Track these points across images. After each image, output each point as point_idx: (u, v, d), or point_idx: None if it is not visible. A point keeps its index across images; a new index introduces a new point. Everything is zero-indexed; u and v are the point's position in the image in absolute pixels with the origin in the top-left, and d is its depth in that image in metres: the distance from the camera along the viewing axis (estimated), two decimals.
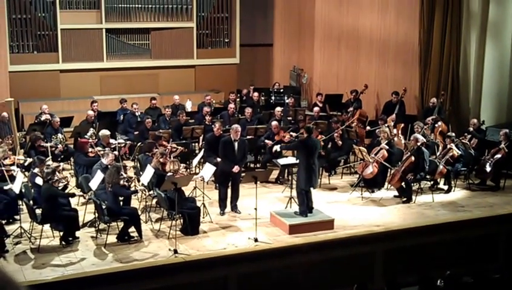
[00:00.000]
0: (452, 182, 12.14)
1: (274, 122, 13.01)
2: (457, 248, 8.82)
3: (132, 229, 9.62)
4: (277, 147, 11.70)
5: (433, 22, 14.81)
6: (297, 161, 10.49)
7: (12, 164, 10.97)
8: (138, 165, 11.68)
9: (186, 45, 17.14)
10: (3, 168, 10.39)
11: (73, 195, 10.03)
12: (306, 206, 10.22)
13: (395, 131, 13.24)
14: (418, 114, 14.86)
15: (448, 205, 11.46)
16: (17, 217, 10.06)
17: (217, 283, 6.93)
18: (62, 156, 12.49)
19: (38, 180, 9.83)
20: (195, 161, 11.98)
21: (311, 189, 10.43)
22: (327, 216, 10.32)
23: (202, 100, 15.11)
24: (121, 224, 9.67)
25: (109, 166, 10.20)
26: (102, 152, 11.07)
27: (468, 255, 8.80)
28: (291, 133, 12.83)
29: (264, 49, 18.33)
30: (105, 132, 12.00)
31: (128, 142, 12.94)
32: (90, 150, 11.60)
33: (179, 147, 12.08)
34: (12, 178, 10.16)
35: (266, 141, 12.82)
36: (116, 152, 11.67)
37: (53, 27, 15.82)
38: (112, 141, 12.10)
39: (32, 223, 9.59)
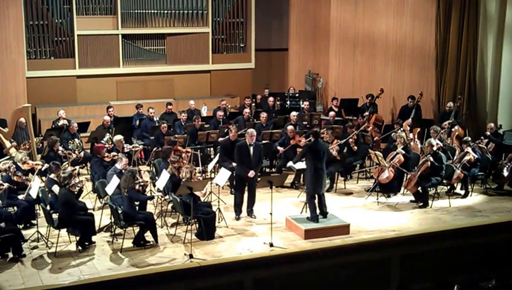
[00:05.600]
0: (469, 187, 12.06)
1: (289, 127, 13.00)
2: (475, 254, 8.74)
3: (148, 234, 9.66)
4: (290, 164, 11.71)
5: (449, 25, 14.72)
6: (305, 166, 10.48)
7: (30, 169, 11.07)
8: (154, 170, 11.72)
9: (201, 50, 17.19)
10: (20, 174, 10.46)
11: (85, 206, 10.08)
12: (316, 212, 10.20)
13: (411, 135, 13.17)
14: (435, 118, 14.77)
15: (465, 210, 11.38)
16: (34, 221, 10.16)
17: (232, 288, 6.91)
18: (79, 161, 12.57)
19: (55, 188, 9.89)
20: (210, 166, 12.00)
21: (324, 194, 10.40)
22: (343, 221, 10.29)
23: (217, 105, 15.15)
24: (136, 229, 9.71)
25: (123, 171, 10.27)
26: (116, 157, 11.14)
27: (486, 260, 8.71)
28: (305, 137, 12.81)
29: (279, 53, 18.33)
30: (119, 137, 12.09)
31: (141, 146, 12.99)
32: (106, 154, 11.68)
33: (192, 151, 12.12)
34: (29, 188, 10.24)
35: (278, 147, 12.80)
36: (131, 154, 11.75)
37: (70, 33, 15.95)
38: (125, 145, 12.17)
39: (49, 228, 9.66)
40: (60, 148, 12.11)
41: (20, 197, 10.10)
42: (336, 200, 11.74)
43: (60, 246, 9.43)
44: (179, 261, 9.04)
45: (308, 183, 10.23)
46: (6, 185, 9.90)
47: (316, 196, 10.27)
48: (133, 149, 12.31)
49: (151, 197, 10.42)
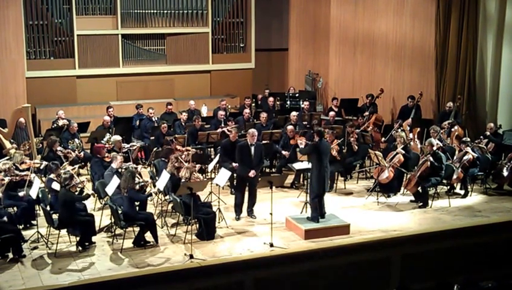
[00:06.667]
0: (469, 187, 12.06)
1: (289, 127, 13.00)
2: (475, 253, 8.75)
3: (148, 234, 9.66)
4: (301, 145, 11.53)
5: (449, 25, 14.74)
6: (310, 166, 10.45)
7: (28, 169, 11.07)
8: (154, 170, 11.72)
9: (201, 50, 17.20)
10: (20, 173, 10.47)
11: (88, 196, 10.04)
12: (317, 212, 10.19)
13: (411, 135, 13.18)
14: (434, 118, 14.78)
15: (465, 209, 11.38)
16: (34, 222, 10.16)
17: (232, 288, 6.92)
18: (79, 161, 12.58)
19: (55, 186, 9.90)
20: (210, 166, 12.00)
21: (324, 194, 10.40)
22: (343, 221, 10.29)
23: (218, 105, 15.15)
24: (137, 229, 9.71)
25: (120, 169, 10.29)
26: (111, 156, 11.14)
27: (486, 260, 8.72)
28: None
29: (279, 53, 18.35)
30: (117, 138, 12.09)
31: (138, 144, 12.98)
32: (106, 155, 11.68)
33: (192, 149, 12.14)
34: (29, 183, 10.25)
35: (283, 152, 12.76)
36: (130, 154, 11.76)
37: (69, 33, 15.95)
38: (124, 144, 12.17)
39: (49, 228, 9.65)
40: (59, 148, 12.11)
41: (21, 194, 10.10)
42: (336, 200, 11.74)
43: (60, 247, 9.43)
44: (179, 262, 9.03)
45: (314, 182, 10.21)
46: (7, 179, 9.93)
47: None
48: (131, 148, 12.30)
49: (150, 195, 10.41)
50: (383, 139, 13.66)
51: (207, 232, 9.79)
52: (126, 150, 12.06)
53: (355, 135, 12.80)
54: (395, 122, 13.62)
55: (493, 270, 8.27)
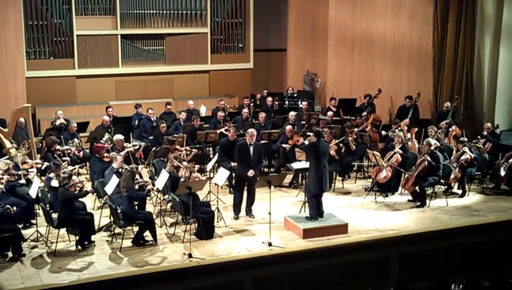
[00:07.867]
0: (466, 187, 12.11)
1: (288, 127, 13.05)
2: (473, 253, 8.79)
3: (147, 233, 9.70)
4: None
5: (446, 25, 14.80)
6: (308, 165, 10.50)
7: (31, 168, 11.12)
8: (153, 169, 11.76)
9: (200, 50, 17.25)
10: (20, 172, 10.51)
11: (86, 193, 10.07)
12: (316, 210, 10.24)
13: (408, 135, 13.22)
14: (432, 118, 14.83)
15: (462, 209, 11.43)
16: (33, 221, 10.18)
17: (232, 287, 6.96)
18: (78, 161, 12.62)
19: (54, 183, 9.94)
20: (209, 166, 12.05)
21: (323, 193, 10.43)
22: (341, 220, 10.33)
23: (216, 105, 15.19)
24: (136, 228, 9.75)
25: (120, 169, 10.31)
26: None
27: (483, 260, 8.77)
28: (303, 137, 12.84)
29: (277, 54, 18.40)
30: (119, 137, 12.12)
31: (142, 143, 13.03)
32: (105, 154, 11.71)
33: (193, 150, 12.18)
34: (29, 181, 10.29)
35: (284, 145, 12.81)
36: (130, 149, 11.79)
37: (69, 33, 15.99)
38: (126, 144, 12.21)
39: (49, 228, 9.69)
40: (58, 147, 12.15)
41: (21, 181, 10.17)
42: (334, 199, 11.78)
43: (59, 246, 9.46)
44: (178, 261, 9.07)
45: (310, 182, 10.26)
46: (6, 177, 9.96)
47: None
48: (134, 148, 12.32)
49: (148, 192, 10.45)
50: (383, 132, 13.70)
51: (206, 231, 9.83)
52: (128, 149, 12.07)
53: (353, 134, 12.85)
54: (393, 122, 13.66)
55: (491, 269, 8.31)
